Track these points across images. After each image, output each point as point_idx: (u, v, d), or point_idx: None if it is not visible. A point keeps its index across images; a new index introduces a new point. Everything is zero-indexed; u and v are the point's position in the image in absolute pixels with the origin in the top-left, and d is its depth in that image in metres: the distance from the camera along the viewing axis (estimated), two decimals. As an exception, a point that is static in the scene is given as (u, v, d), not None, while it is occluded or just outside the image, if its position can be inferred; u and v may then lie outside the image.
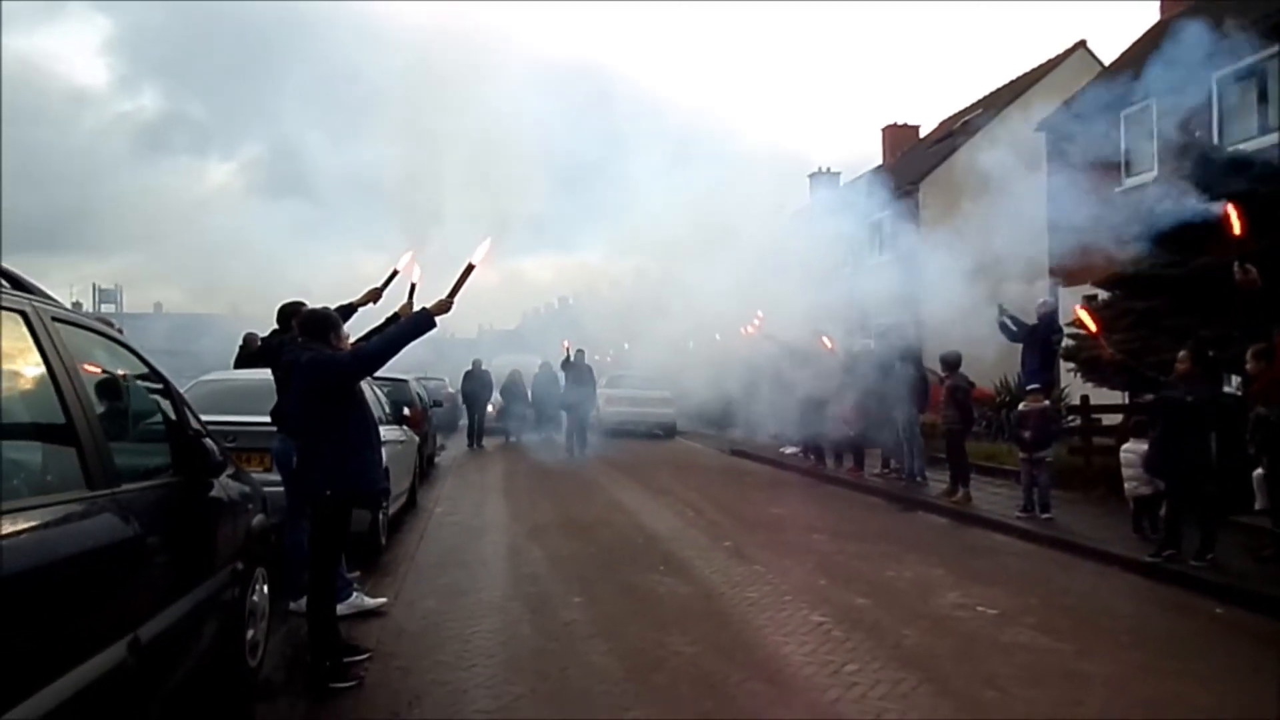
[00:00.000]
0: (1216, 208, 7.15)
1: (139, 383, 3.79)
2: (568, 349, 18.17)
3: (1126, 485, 8.01)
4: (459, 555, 8.06)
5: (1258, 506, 7.30)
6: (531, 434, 19.83)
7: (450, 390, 22.53)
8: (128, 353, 3.72)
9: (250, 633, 4.63)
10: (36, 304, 2.95)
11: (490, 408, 20.10)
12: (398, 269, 6.23)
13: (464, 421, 20.44)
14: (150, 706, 3.21)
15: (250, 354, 11.56)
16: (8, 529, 2.37)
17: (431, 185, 19.16)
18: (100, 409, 3.19)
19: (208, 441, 3.97)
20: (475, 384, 19.64)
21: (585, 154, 19.83)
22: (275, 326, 6.32)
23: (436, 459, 16.63)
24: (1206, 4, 16.96)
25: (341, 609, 5.56)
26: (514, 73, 19.54)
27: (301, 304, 5.86)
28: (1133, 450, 7.90)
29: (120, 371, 3.62)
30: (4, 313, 2.76)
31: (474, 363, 20.11)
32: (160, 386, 3.92)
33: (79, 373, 3.05)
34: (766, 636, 5.33)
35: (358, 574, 6.69)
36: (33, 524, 2.50)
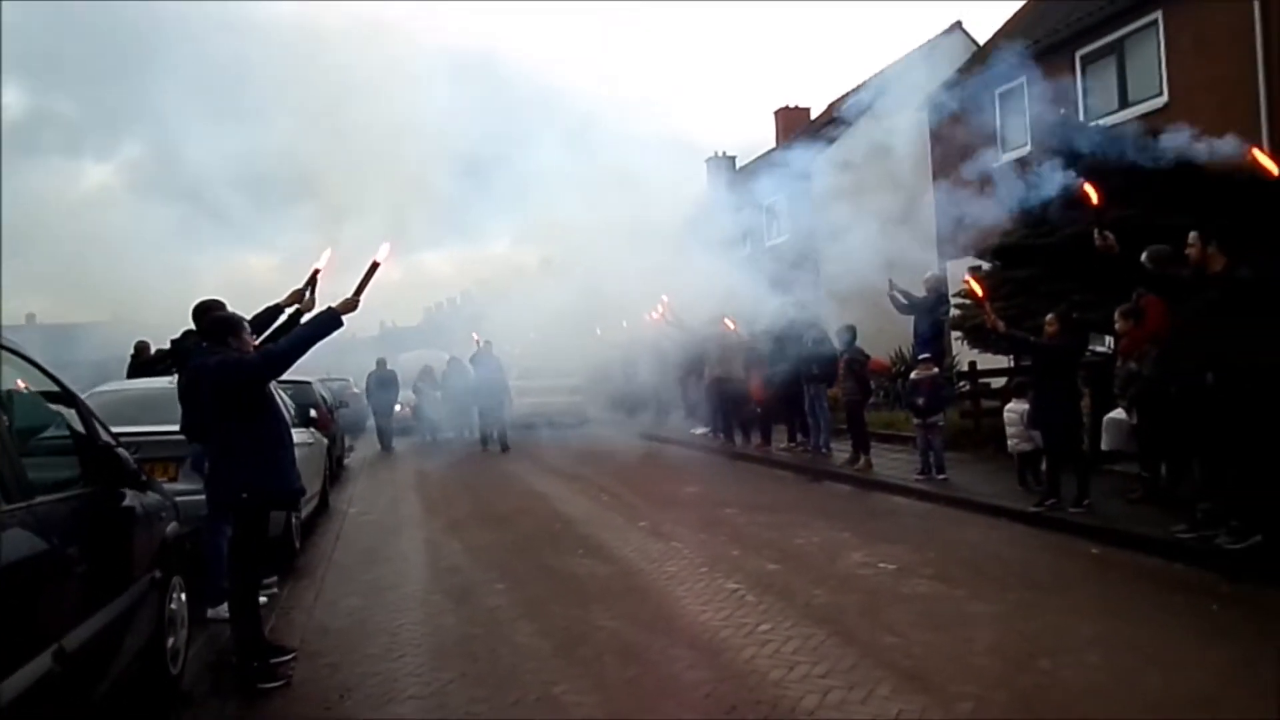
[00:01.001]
0: (1077, 180, 7.69)
1: (43, 396, 3.75)
2: (478, 342, 17.80)
3: (1009, 442, 8.57)
4: (378, 553, 8.06)
5: (1105, 447, 7.90)
6: (446, 431, 19.40)
7: (355, 390, 22.11)
8: (30, 366, 3.67)
9: (171, 640, 4.61)
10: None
11: (399, 406, 19.53)
12: (318, 268, 6.18)
13: (371, 422, 19.82)
14: (78, 714, 3.22)
15: (143, 362, 11.18)
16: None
17: (323, 181, 18.72)
18: (8, 423, 3.17)
19: (120, 452, 3.95)
20: (381, 384, 19.11)
21: (482, 143, 19.59)
22: (190, 327, 6.17)
23: (346, 460, 16.40)
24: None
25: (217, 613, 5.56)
26: (405, 62, 19.19)
27: (218, 303, 5.75)
28: (1014, 410, 8.46)
29: (24, 385, 3.59)
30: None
31: (378, 361, 19.51)
32: (65, 398, 3.88)
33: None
34: (685, 606, 5.57)
35: (274, 579, 6.66)
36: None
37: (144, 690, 4.24)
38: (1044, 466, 7.90)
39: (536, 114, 20.41)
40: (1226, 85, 12.20)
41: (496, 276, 22.17)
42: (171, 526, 4.76)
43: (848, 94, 27.52)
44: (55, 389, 3.85)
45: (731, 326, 13.54)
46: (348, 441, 17.91)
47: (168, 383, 8.10)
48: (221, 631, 5.44)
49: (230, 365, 4.54)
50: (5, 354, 3.45)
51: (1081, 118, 14.15)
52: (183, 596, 4.91)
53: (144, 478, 4.49)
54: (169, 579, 4.61)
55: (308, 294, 6.15)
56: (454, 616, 5.75)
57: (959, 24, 23.29)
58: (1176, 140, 8.16)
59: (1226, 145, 7.07)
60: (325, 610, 6.13)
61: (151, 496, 4.57)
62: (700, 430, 16.11)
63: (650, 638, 4.97)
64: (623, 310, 18.79)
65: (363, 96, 17.53)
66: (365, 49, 18.63)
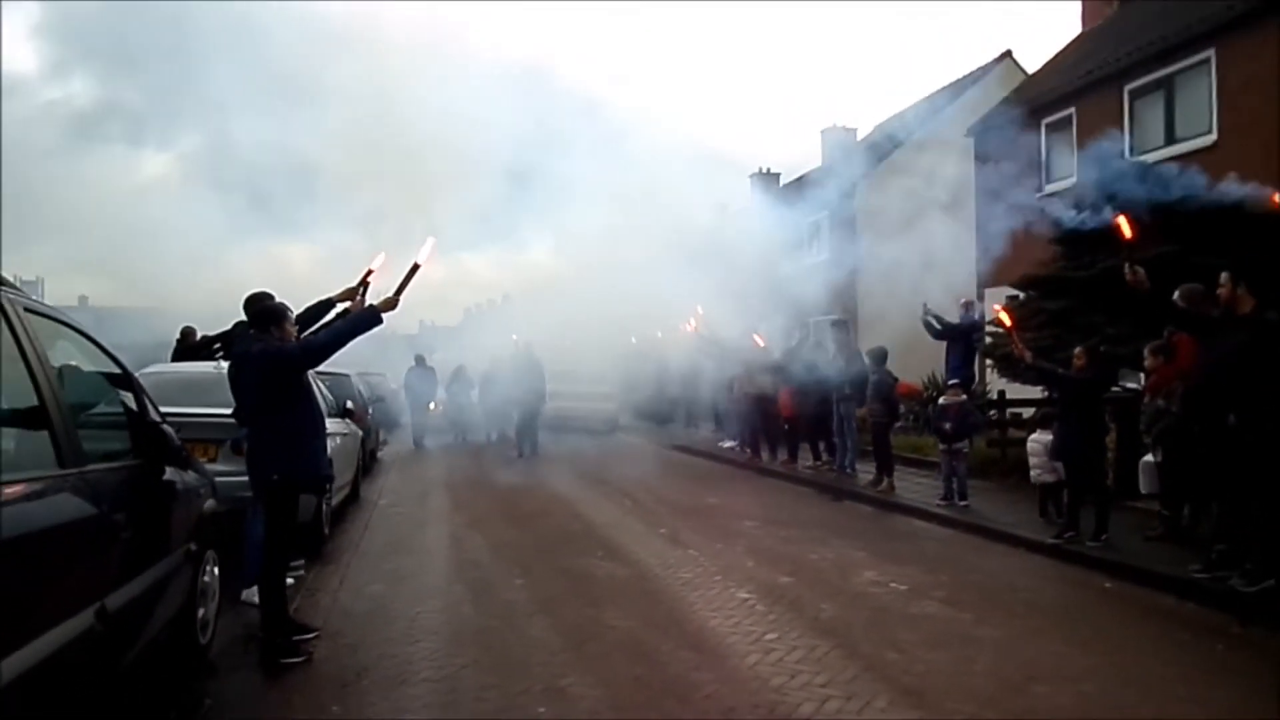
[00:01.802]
0: (1116, 215, 7.70)
1: (101, 372, 4.00)
2: (517, 343, 17.64)
3: (1032, 473, 8.58)
4: (403, 544, 8.29)
5: (1143, 490, 7.92)
6: (480, 432, 19.38)
7: (392, 386, 22.45)
8: (90, 344, 3.92)
9: (201, 611, 4.85)
10: (9, 295, 3.16)
11: (433, 405, 19.61)
12: (372, 269, 6.40)
13: (407, 418, 19.94)
14: (114, 673, 3.44)
15: (189, 347, 11.57)
16: (-5, 500, 2.61)
17: (368, 179, 19.15)
18: (67, 394, 3.40)
19: (166, 429, 4.18)
20: (419, 380, 19.11)
21: (528, 150, 19.90)
22: (242, 318, 6.42)
23: (379, 454, 16.71)
24: (1123, 19, 17.92)
25: (249, 595, 5.78)
26: (458, 69, 19.59)
27: (267, 294, 6.01)
28: (1038, 440, 8.48)
29: (84, 361, 3.84)
30: (-23, 302, 2.98)
31: (417, 358, 19.54)
32: (121, 375, 4.13)
33: (48, 360, 3.27)
34: (696, 612, 5.71)
35: (301, 562, 6.89)
36: (12, 497, 2.74)
37: (174, 656, 4.47)
38: (1065, 499, 7.91)
39: (582, 123, 20.63)
40: (1277, 125, 12.06)
41: (535, 281, 22.38)
42: (209, 504, 4.99)
43: (894, 116, 27.56)
44: (112, 367, 4.10)
45: (761, 343, 13.63)
46: (382, 435, 18.21)
47: (212, 367, 8.43)
48: (248, 611, 5.68)
49: (271, 353, 4.79)
50: (70, 331, 3.69)
51: (1127, 153, 14.09)
52: (215, 570, 5.15)
53: (186, 456, 4.72)
54: (203, 552, 4.84)
55: (360, 294, 6.36)
56: (471, 607, 5.94)
57: (1009, 53, 23.19)
58: (1205, 180, 8.15)
59: (1256, 190, 7.05)
60: (349, 594, 6.34)
61: (191, 474, 4.80)
62: (728, 444, 16.21)
63: (659, 639, 5.11)
64: (658, 320, 18.97)
65: (413, 97, 17.94)
66: (419, 51, 19.06)
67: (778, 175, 29.82)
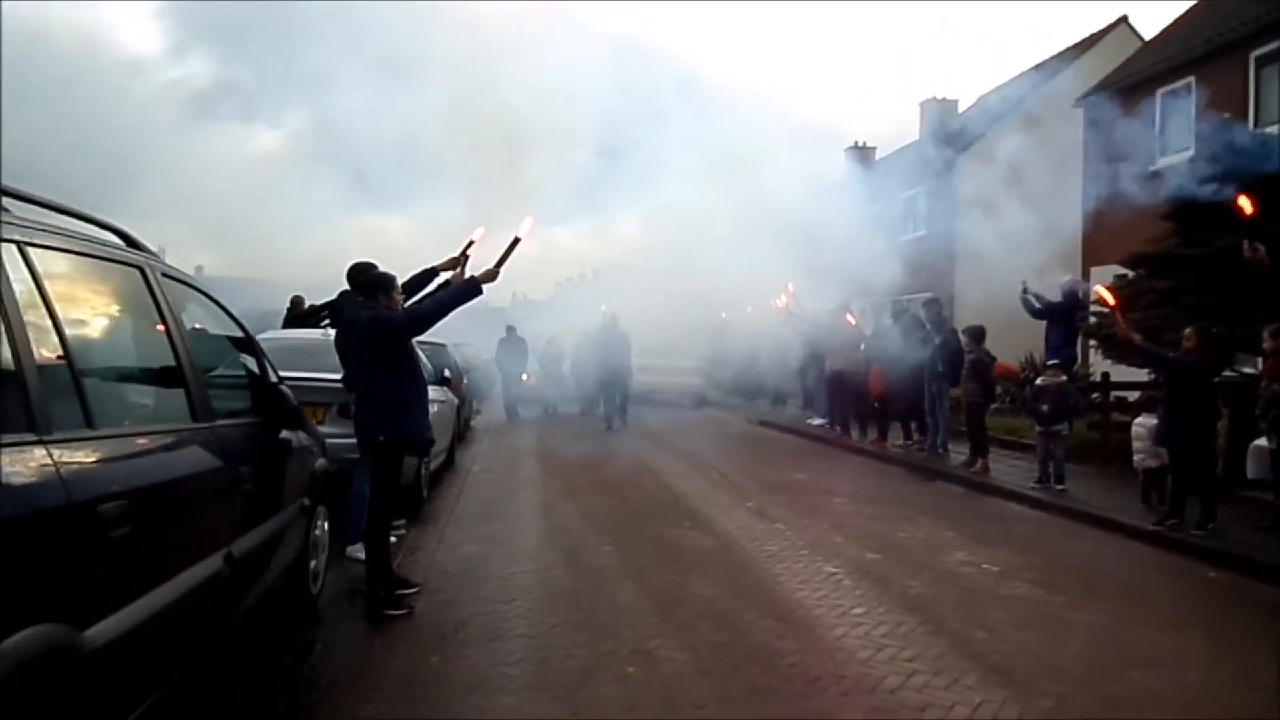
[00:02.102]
0: (1236, 191, 7.34)
1: (226, 335, 4.28)
2: (605, 313, 17.55)
3: (1135, 458, 8.30)
4: (496, 509, 8.57)
5: (1250, 475, 7.57)
6: (570, 404, 19.47)
7: (484, 357, 22.95)
8: (217, 308, 4.20)
9: (313, 563, 5.16)
10: (151, 261, 3.42)
11: (525, 376, 19.70)
12: (473, 240, 6.61)
13: (498, 388, 20.15)
14: (235, 615, 3.71)
15: (298, 315, 12.12)
16: (141, 447, 2.85)
17: (471, 155, 19.56)
18: (197, 355, 3.67)
19: (285, 390, 4.45)
20: (511, 351, 19.20)
21: (622, 124, 19.98)
22: (346, 288, 6.72)
23: (472, 423, 17.18)
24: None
25: (354, 550, 6.08)
26: (554, 43, 19.79)
27: (371, 264, 6.30)
28: (1143, 424, 8.18)
29: (210, 324, 4.11)
30: (126, 268, 3.24)
31: (508, 328, 19.62)
32: (244, 339, 4.41)
33: (183, 322, 3.53)
34: (781, 583, 5.77)
35: (403, 522, 7.21)
36: (155, 447, 2.99)
37: (287, 603, 4.78)
38: (1169, 485, 7.64)
39: (674, 96, 20.59)
40: None
41: (625, 256, 22.51)
42: (320, 462, 5.28)
43: (999, 87, 26.59)
44: (236, 331, 4.38)
45: (853, 321, 13.45)
46: (475, 405, 18.67)
47: (320, 334, 8.84)
48: (354, 566, 5.99)
49: (378, 320, 5.03)
50: (200, 295, 3.96)
51: (1251, 123, 13.33)
52: (325, 525, 5.47)
53: (300, 416, 5.01)
54: (315, 508, 5.15)
55: (461, 265, 6.59)
56: (562, 571, 6.13)
57: (1124, 19, 22.06)
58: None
59: None
60: (446, 554, 6.62)
61: (305, 434, 5.10)
62: (816, 421, 16.09)
63: (744, 608, 5.19)
64: (747, 296, 18.89)
65: (510, 71, 18.22)
66: (517, 25, 19.32)
67: (873, 149, 29.19)
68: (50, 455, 2.32)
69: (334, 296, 10.70)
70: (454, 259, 6.82)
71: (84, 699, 2.36)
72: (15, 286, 2.40)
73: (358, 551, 6.25)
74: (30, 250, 2.57)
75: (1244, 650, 4.66)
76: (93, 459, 2.54)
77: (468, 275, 5.31)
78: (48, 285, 2.59)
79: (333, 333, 8.29)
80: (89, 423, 2.60)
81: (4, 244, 2.44)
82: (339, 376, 6.60)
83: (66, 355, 2.57)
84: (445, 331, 13.13)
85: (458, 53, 18.53)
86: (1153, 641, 4.71)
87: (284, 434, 4.56)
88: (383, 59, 17.99)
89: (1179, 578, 6.22)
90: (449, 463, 10.92)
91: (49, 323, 2.54)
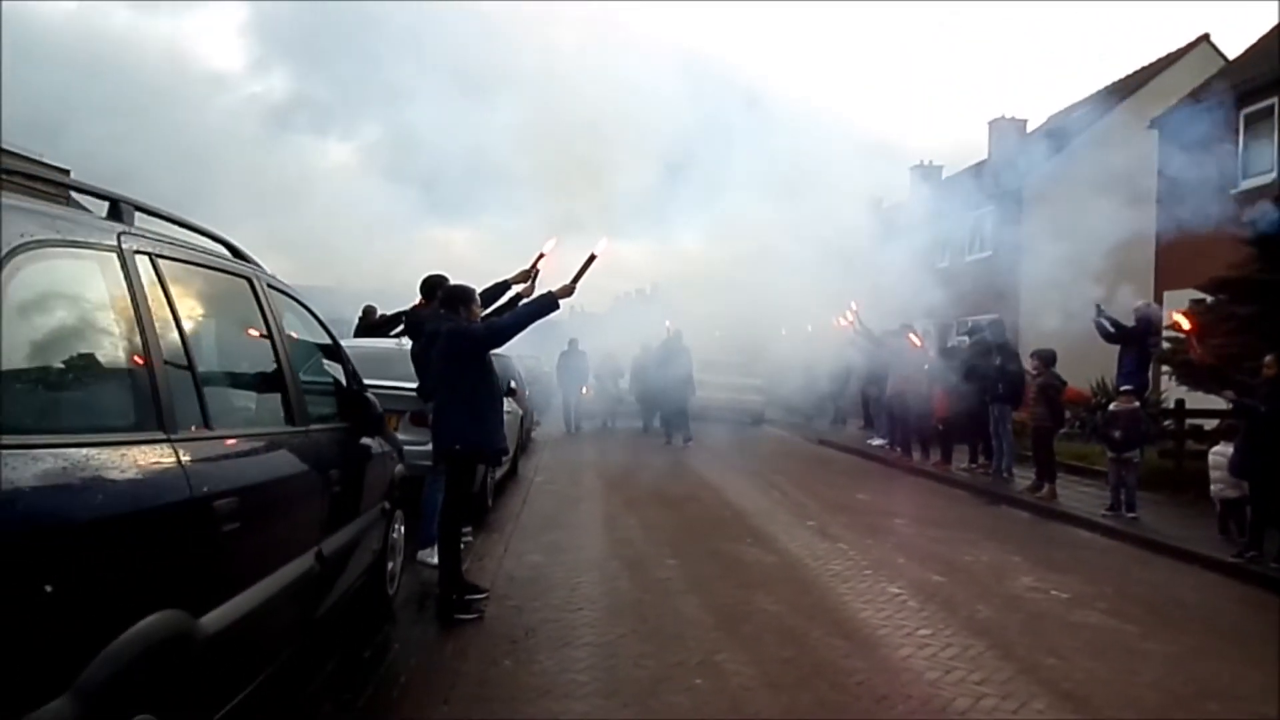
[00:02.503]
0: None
1: (317, 343, 4.49)
2: (669, 329, 17.42)
3: (1213, 487, 8.10)
4: (559, 519, 8.71)
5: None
6: (628, 419, 19.40)
7: (545, 369, 23.16)
8: (312, 318, 4.41)
9: (391, 565, 5.35)
10: (258, 273, 3.63)
11: (584, 389, 19.60)
12: (544, 253, 6.80)
13: (558, 400, 20.07)
14: (321, 611, 3.88)
15: (370, 324, 12.48)
16: (248, 449, 3.04)
17: (536, 170, 19.92)
18: (295, 361, 3.86)
19: (370, 397, 4.64)
20: (571, 364, 19.08)
21: (685, 140, 20.15)
22: (419, 300, 6.95)
23: (533, 434, 17.40)
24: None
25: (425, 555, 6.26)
26: (620, 60, 20.09)
27: (443, 277, 6.53)
28: (1220, 453, 7.99)
29: (304, 333, 4.32)
30: (236, 278, 3.45)
31: (570, 341, 19.54)
32: (333, 347, 4.61)
33: (284, 331, 3.73)
34: (846, 602, 5.78)
35: (469, 529, 7.38)
36: (262, 447, 3.17)
37: (367, 601, 4.96)
38: (1248, 516, 7.44)
39: (741, 114, 20.71)
40: None
41: (685, 271, 22.58)
42: (399, 468, 5.48)
43: (1071, 106, 26.13)
44: (326, 339, 4.59)
45: (918, 342, 13.34)
46: (535, 417, 18.86)
47: (393, 344, 9.12)
48: (425, 570, 6.17)
49: (459, 332, 5.21)
50: (297, 305, 4.17)
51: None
52: (402, 529, 5.66)
53: (383, 423, 5.20)
54: (394, 512, 5.33)
55: (532, 278, 6.78)
56: (627, 582, 6.23)
57: (1206, 37, 21.54)
58: None
59: None
60: (512, 561, 6.76)
61: (386, 440, 5.29)
62: (877, 441, 15.95)
63: (809, 625, 5.22)
64: (808, 314, 18.83)
65: (576, 88, 18.54)
66: (584, 43, 19.69)
67: (940, 168, 28.89)
68: (176, 453, 2.50)
69: (407, 307, 11.05)
70: (525, 272, 7.01)
71: (198, 683, 2.52)
72: (148, 295, 2.60)
73: (428, 556, 6.44)
74: (160, 262, 2.77)
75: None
76: (210, 458, 2.72)
77: (541, 290, 5.45)
78: (174, 294, 2.78)
79: (407, 342, 8.57)
80: (207, 424, 2.78)
81: (139, 256, 2.64)
82: (413, 385, 6.83)
83: (189, 360, 2.76)
84: (509, 344, 13.38)
85: (525, 68, 18.94)
86: (1230, 674, 4.62)
87: (369, 440, 4.75)
88: (454, 73, 18.49)
89: (1255, 610, 6.06)
90: (512, 472, 11.11)
91: (174, 329, 2.73)
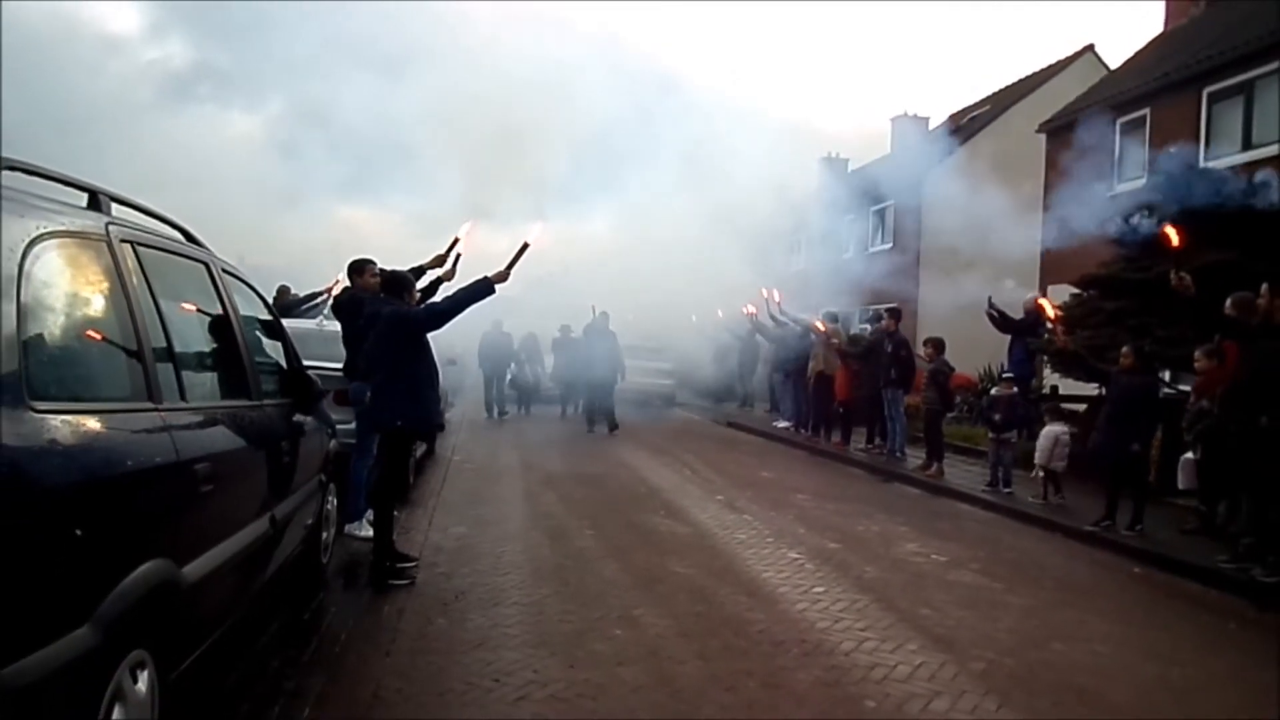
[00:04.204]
0: (1164, 224, 8.00)
1: (262, 322, 4.75)
2: (594, 311, 16.80)
3: (1037, 457, 9.24)
4: (480, 494, 9.06)
5: (1181, 486, 8.29)
6: (549, 403, 18.98)
7: (458, 351, 22.96)
8: (257, 299, 4.66)
9: (325, 534, 5.64)
10: (215, 259, 3.90)
11: (510, 372, 18.86)
12: (458, 237, 7.12)
13: (472, 382, 19.69)
14: (270, 571, 4.19)
15: (284, 304, 12.49)
16: (217, 418, 3.34)
17: (445, 151, 19.94)
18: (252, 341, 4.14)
19: (311, 375, 4.93)
20: (495, 347, 18.28)
21: (597, 124, 20.42)
22: (347, 284, 7.19)
23: (448, 416, 17.47)
24: (1206, 20, 17.76)
25: (352, 528, 6.57)
26: (533, 41, 20.28)
27: (369, 260, 6.80)
28: (1048, 433, 9.06)
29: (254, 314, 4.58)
30: (196, 263, 3.72)
31: (493, 323, 18.10)
32: (277, 327, 4.88)
33: (240, 313, 4.01)
34: (750, 565, 6.34)
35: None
36: (226, 417, 3.47)
37: (304, 568, 5.25)
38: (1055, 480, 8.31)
39: (651, 101, 21.13)
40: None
41: (596, 255, 22.73)
42: (333, 443, 5.76)
43: (968, 108, 27.47)
44: (269, 317, 4.84)
45: (822, 328, 14.08)
46: (449, 399, 18.71)
47: (315, 324, 9.29)
48: (352, 544, 6.46)
49: (401, 315, 5.52)
50: (246, 288, 4.43)
51: (1202, 156, 14.13)
52: (334, 500, 5.94)
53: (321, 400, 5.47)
54: (328, 484, 5.62)
55: (449, 262, 7.09)
56: (549, 550, 6.65)
57: (1091, 47, 22.98)
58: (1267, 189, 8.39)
59: None
60: (438, 534, 7.10)
61: (321, 415, 5.56)
62: (782, 423, 16.71)
63: (718, 585, 5.76)
64: (718, 299, 19.43)
65: (487, 69, 18.66)
66: (496, 25, 19.78)
67: (846, 161, 29.96)
68: (164, 420, 2.81)
69: (322, 288, 11.20)
70: (440, 256, 7.34)
71: (181, 626, 2.85)
72: (134, 279, 2.89)
73: (356, 529, 6.74)
74: (139, 249, 3.05)
75: (1154, 629, 5.31)
76: (188, 426, 3.02)
77: (480, 275, 5.76)
78: (151, 278, 3.07)
79: (328, 324, 8.76)
80: (183, 396, 3.08)
81: (123, 244, 2.92)
82: (334, 365, 7.07)
83: (167, 338, 3.05)
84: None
85: (437, 46, 18.93)
86: (1076, 621, 5.34)
87: (310, 415, 5.04)
88: (365, 49, 18.39)
89: (1106, 571, 6.88)
90: (429, 452, 11.35)
91: (155, 310, 3.02)
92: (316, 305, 11.41)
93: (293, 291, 12.32)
